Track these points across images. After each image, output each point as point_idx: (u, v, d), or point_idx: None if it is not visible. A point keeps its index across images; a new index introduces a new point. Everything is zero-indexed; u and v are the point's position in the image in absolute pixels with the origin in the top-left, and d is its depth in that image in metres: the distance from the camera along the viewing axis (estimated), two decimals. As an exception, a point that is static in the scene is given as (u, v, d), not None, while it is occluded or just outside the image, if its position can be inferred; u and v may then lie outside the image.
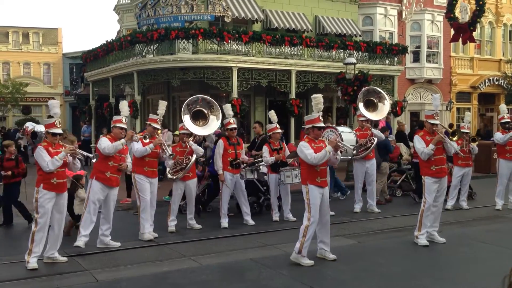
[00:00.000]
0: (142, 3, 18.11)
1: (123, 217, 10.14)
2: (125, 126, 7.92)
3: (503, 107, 11.45)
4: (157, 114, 8.60)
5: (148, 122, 8.65)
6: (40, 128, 10.15)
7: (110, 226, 7.80)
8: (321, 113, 7.14)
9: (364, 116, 10.65)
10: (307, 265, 6.67)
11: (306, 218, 6.72)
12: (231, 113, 9.49)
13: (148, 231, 8.23)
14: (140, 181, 8.28)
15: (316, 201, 6.69)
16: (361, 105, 10.70)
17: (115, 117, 8.04)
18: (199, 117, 9.08)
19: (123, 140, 7.67)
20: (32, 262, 6.68)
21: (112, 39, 19.42)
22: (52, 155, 6.77)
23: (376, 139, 10.49)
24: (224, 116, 9.44)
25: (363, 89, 11.64)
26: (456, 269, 6.77)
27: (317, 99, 7.18)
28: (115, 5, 24.65)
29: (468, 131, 10.85)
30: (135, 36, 16.47)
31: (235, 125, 9.39)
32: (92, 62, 20.84)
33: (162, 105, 8.85)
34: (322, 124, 7.00)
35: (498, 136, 10.85)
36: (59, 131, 6.99)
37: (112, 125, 7.98)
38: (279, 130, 9.77)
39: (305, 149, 6.67)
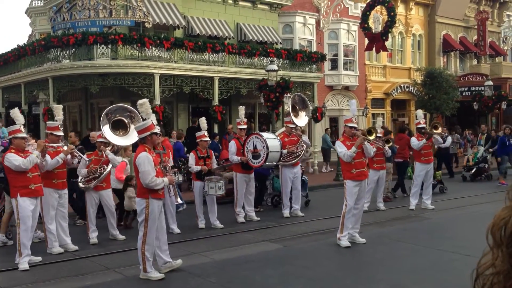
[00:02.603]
0: (56, 7, 17.37)
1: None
2: (26, 135, 7.45)
3: (419, 112, 12.17)
4: (56, 121, 8.22)
5: (48, 131, 8.13)
6: None
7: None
8: (153, 120, 6.86)
9: (294, 123, 10.90)
10: (156, 278, 6.47)
11: (142, 234, 6.49)
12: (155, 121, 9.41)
13: (56, 244, 7.91)
14: (48, 196, 7.80)
15: (154, 215, 6.52)
16: (291, 112, 10.97)
17: (11, 128, 7.40)
18: (119, 126, 8.80)
19: (36, 153, 7.21)
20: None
21: (24, 43, 18.43)
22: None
23: (305, 146, 10.80)
24: None
25: (294, 95, 11.92)
26: (376, 268, 7.09)
27: (145, 105, 6.90)
28: (27, 8, 23.46)
29: (381, 135, 11.43)
30: (50, 40, 15.74)
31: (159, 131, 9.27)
32: (2, 67, 19.64)
33: (58, 110, 8.46)
34: (157, 130, 6.85)
35: (414, 142, 11.48)
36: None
37: (11, 137, 7.32)
38: (207, 138, 9.82)
39: (146, 163, 6.39)
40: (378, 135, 11.12)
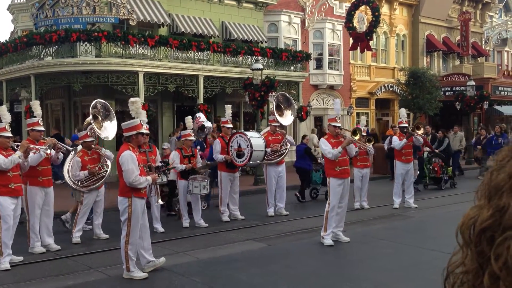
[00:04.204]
0: (39, 3, 17.12)
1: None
2: (11, 135, 7.36)
3: (402, 111, 12.25)
4: (35, 117, 8.14)
5: (29, 128, 8.04)
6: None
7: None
8: (142, 119, 6.89)
9: (278, 122, 10.92)
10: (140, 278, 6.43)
11: (125, 233, 6.46)
12: (145, 119, 9.31)
13: (38, 244, 7.82)
14: (33, 194, 7.73)
15: (137, 215, 6.48)
16: (275, 111, 10.99)
17: None
18: (94, 120, 8.71)
19: (19, 153, 7.11)
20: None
21: (6, 40, 18.17)
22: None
23: (289, 145, 10.84)
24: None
25: (278, 94, 11.91)
26: (360, 266, 7.14)
27: (136, 104, 6.90)
28: (9, 5, 23.11)
29: (364, 134, 11.49)
30: (32, 37, 15.53)
31: (147, 131, 9.16)
32: (-17, 64, 19.31)
33: (36, 105, 8.38)
34: (144, 130, 6.88)
35: (396, 141, 11.57)
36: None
37: None
38: (192, 138, 9.82)
39: (130, 162, 6.34)
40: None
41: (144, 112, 9.32)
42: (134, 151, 6.51)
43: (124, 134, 6.72)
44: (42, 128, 7.99)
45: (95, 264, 7.17)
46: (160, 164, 9.15)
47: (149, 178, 6.58)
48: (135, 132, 6.54)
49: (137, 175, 6.34)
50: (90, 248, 8.15)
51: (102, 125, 8.57)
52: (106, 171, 8.55)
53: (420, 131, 11.96)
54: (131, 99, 7.01)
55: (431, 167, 15.02)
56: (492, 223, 0.83)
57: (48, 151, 7.73)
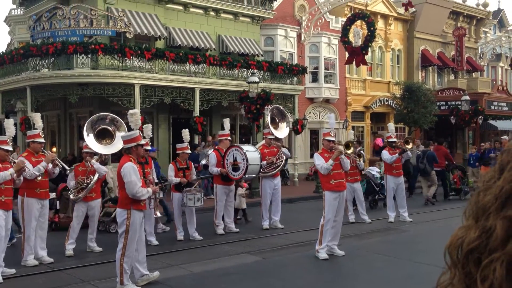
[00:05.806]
0: (36, 15, 17.20)
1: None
2: (11, 148, 7.36)
3: (390, 126, 12.33)
4: (36, 129, 8.14)
5: (30, 140, 8.05)
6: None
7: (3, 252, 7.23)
8: (138, 132, 6.87)
9: (272, 134, 10.95)
10: None
11: (122, 245, 6.44)
12: (150, 134, 9.32)
13: (31, 257, 7.74)
14: (30, 205, 7.70)
15: (135, 227, 6.44)
16: (269, 124, 11.04)
17: None
18: (105, 135, 8.72)
19: (12, 170, 7.05)
20: None
21: (2, 52, 18.20)
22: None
23: (285, 157, 10.85)
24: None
25: (273, 108, 11.97)
26: (354, 280, 7.11)
27: (135, 116, 6.95)
28: (6, 16, 23.22)
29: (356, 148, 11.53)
30: (29, 49, 15.58)
31: (148, 147, 9.15)
32: (-21, 76, 19.30)
33: (37, 117, 8.42)
34: (143, 142, 6.94)
35: (386, 155, 11.60)
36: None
37: None
38: (188, 151, 9.83)
39: (132, 173, 6.32)
40: None
41: (149, 126, 9.37)
42: (135, 162, 6.53)
43: (123, 145, 6.74)
44: (42, 140, 8.02)
45: (88, 277, 7.11)
46: (158, 180, 9.19)
47: (150, 190, 6.59)
48: (135, 143, 6.55)
49: (139, 186, 6.36)
50: (84, 261, 8.09)
51: (115, 137, 8.58)
52: (88, 183, 8.51)
53: (409, 146, 12.02)
54: (131, 111, 7.08)
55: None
56: (478, 244, 0.82)
57: (50, 166, 7.72)
